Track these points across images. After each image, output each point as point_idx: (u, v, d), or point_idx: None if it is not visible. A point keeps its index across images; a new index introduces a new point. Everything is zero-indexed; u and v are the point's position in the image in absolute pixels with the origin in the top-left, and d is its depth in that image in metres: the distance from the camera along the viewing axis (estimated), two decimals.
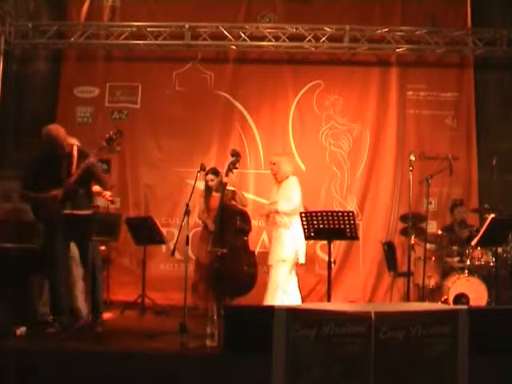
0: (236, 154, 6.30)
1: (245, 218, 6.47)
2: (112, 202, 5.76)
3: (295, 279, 6.11)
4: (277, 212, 6.00)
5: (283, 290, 5.93)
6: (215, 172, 6.43)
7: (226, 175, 6.17)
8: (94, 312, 5.17)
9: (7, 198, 6.47)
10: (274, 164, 6.24)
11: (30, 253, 5.48)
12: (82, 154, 5.21)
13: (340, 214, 5.24)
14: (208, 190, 6.42)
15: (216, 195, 6.33)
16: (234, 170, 6.29)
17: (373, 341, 2.60)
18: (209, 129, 7.72)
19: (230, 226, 6.17)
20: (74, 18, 7.80)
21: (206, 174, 6.33)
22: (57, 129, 5.34)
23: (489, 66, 7.68)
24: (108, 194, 5.47)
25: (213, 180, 6.36)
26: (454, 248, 6.58)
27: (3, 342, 4.38)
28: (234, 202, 6.40)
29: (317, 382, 2.63)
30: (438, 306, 4.66)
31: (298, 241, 5.90)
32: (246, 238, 6.53)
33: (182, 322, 5.14)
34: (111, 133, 5.35)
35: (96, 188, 5.61)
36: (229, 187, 6.28)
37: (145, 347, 4.69)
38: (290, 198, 6.01)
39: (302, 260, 6.06)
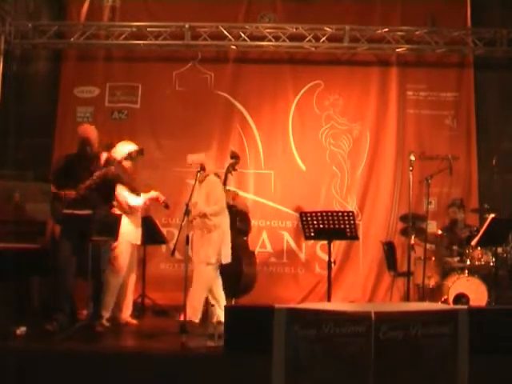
0: (235, 156, 6.31)
1: (245, 218, 6.48)
2: (166, 206, 5.84)
3: (220, 281, 5.89)
4: (205, 215, 5.65)
5: (211, 293, 5.77)
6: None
7: (225, 177, 6.16)
8: (94, 312, 5.16)
9: (7, 197, 6.46)
10: (190, 165, 6.00)
11: (30, 253, 5.48)
12: (110, 163, 5.24)
13: (340, 214, 5.25)
14: None
15: None
16: (233, 172, 6.29)
17: (373, 341, 2.61)
18: (209, 129, 7.71)
19: (230, 227, 6.17)
20: (74, 18, 7.79)
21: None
22: (89, 131, 5.41)
23: (489, 66, 7.68)
24: (162, 198, 5.73)
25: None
26: (454, 248, 6.57)
27: (3, 342, 4.38)
28: (233, 203, 6.40)
29: (317, 381, 2.63)
30: (437, 306, 4.67)
31: (222, 241, 5.69)
32: (245, 238, 6.55)
33: (182, 322, 5.14)
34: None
35: (153, 193, 5.77)
36: (229, 188, 6.28)
37: (145, 347, 4.69)
38: (215, 198, 5.67)
39: (225, 260, 5.75)
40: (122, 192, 5.60)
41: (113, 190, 5.38)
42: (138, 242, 5.81)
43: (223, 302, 5.77)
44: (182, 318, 5.28)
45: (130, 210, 5.63)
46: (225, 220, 5.74)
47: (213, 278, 5.67)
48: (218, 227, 5.60)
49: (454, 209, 6.91)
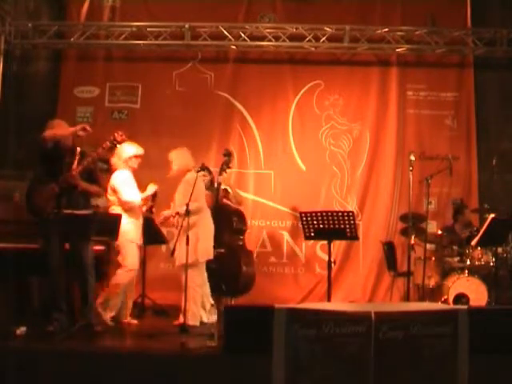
0: (228, 154, 6.29)
1: (241, 217, 6.47)
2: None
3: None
4: (178, 214, 5.52)
5: (204, 293, 5.75)
6: (207, 169, 6.41)
7: (220, 175, 6.15)
8: (88, 312, 5.13)
9: (7, 197, 6.46)
10: (171, 162, 5.88)
11: (30, 253, 5.48)
12: (85, 156, 5.20)
13: (340, 214, 5.25)
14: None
15: (207, 194, 6.26)
16: (228, 170, 6.28)
17: (373, 341, 2.60)
18: (209, 129, 7.72)
19: (226, 226, 6.16)
20: (74, 18, 7.80)
21: (198, 171, 6.30)
22: (58, 123, 5.38)
23: (489, 66, 7.68)
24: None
25: (205, 176, 6.33)
26: (454, 248, 6.57)
27: (3, 342, 4.37)
28: (227, 202, 6.39)
29: (317, 381, 2.63)
30: (437, 306, 4.67)
31: (197, 240, 5.56)
32: (242, 238, 6.53)
33: (182, 322, 5.14)
34: (117, 135, 5.36)
35: (151, 188, 5.79)
36: (224, 186, 6.27)
37: (145, 347, 4.69)
38: (195, 196, 5.41)
39: (204, 258, 5.65)
40: (120, 187, 5.58)
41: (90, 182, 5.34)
42: (139, 242, 5.80)
43: (208, 302, 5.80)
44: (180, 321, 5.28)
45: (126, 207, 5.59)
46: (204, 217, 5.65)
47: (196, 276, 5.55)
48: (192, 226, 5.37)
49: (463, 211, 6.91)
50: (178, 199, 5.67)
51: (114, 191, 5.62)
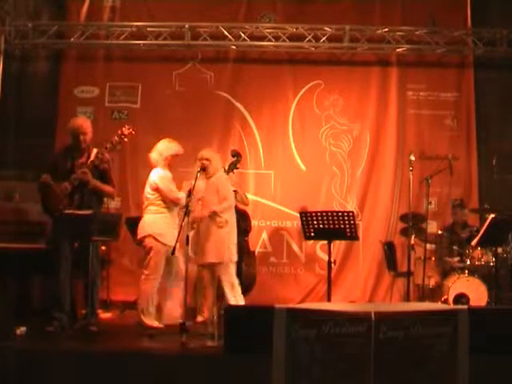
0: (237, 155, 6.30)
1: (245, 218, 6.48)
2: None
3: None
4: (215, 212, 5.45)
5: (238, 292, 5.69)
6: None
7: (227, 175, 6.15)
8: (89, 312, 5.15)
9: (7, 197, 6.47)
10: (206, 159, 5.70)
11: (31, 253, 5.48)
12: (100, 158, 5.25)
13: (340, 214, 5.25)
14: None
15: None
16: (235, 170, 6.29)
17: (373, 341, 2.60)
18: (209, 129, 7.71)
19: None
20: (74, 18, 7.79)
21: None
22: (79, 119, 5.47)
23: (489, 66, 7.67)
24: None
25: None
26: (454, 248, 6.57)
27: (3, 342, 4.37)
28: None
29: (317, 381, 2.63)
30: (438, 305, 4.67)
31: (229, 239, 5.58)
32: (246, 238, 6.54)
33: (182, 322, 5.14)
34: (124, 129, 5.39)
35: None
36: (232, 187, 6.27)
37: (145, 347, 4.69)
38: (224, 195, 5.52)
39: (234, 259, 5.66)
40: (166, 185, 5.51)
41: (107, 182, 5.35)
42: (173, 244, 5.70)
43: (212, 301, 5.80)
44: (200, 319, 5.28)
45: (172, 204, 5.53)
46: (232, 218, 5.65)
47: (234, 275, 5.57)
48: (225, 224, 5.44)
49: (456, 210, 6.90)
50: (209, 197, 5.53)
51: (157, 189, 5.52)
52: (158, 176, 5.56)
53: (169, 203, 5.54)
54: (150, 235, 5.47)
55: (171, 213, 5.60)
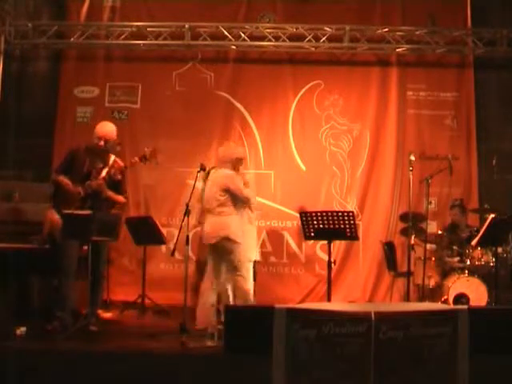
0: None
1: None
2: None
3: None
4: (249, 200, 5.59)
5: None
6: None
7: None
8: (89, 312, 5.15)
9: (7, 197, 6.47)
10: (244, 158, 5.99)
11: (30, 253, 5.48)
12: (116, 167, 5.28)
13: (340, 213, 5.24)
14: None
15: None
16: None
17: (373, 341, 2.60)
18: (209, 129, 7.71)
19: None
20: (74, 18, 7.79)
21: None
22: (103, 127, 5.46)
23: (489, 66, 7.68)
24: None
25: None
26: (454, 248, 6.57)
27: (3, 342, 4.38)
28: None
29: (317, 381, 2.63)
30: (438, 305, 4.67)
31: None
32: None
33: (181, 322, 5.14)
34: (147, 151, 5.40)
35: None
36: None
37: (145, 347, 4.69)
38: (253, 192, 5.80)
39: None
40: (240, 187, 5.51)
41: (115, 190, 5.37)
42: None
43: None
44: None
45: (243, 203, 5.54)
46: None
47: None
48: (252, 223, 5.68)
49: (456, 211, 6.90)
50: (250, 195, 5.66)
51: (227, 191, 5.47)
52: (228, 178, 5.53)
53: (240, 203, 5.54)
54: (226, 237, 5.41)
55: (241, 213, 5.61)
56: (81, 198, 5.15)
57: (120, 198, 5.40)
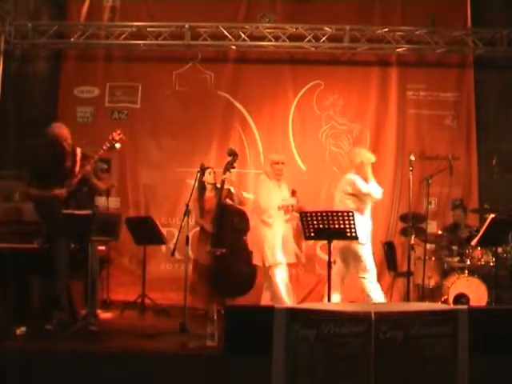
0: (233, 154, 6.30)
1: (243, 217, 6.47)
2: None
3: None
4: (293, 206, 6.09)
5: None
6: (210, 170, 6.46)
7: (224, 174, 6.16)
8: (89, 312, 5.15)
9: (7, 197, 6.47)
10: (283, 164, 6.28)
11: (30, 253, 5.48)
12: (85, 158, 5.25)
13: (340, 214, 5.24)
14: (202, 190, 6.40)
15: (210, 196, 6.34)
16: (232, 170, 6.29)
17: (373, 341, 2.60)
18: (209, 129, 7.71)
19: (228, 226, 6.16)
20: (74, 18, 7.79)
21: (203, 173, 6.32)
22: (59, 127, 5.38)
23: (489, 66, 7.68)
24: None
25: (210, 174, 6.39)
26: (454, 248, 6.58)
27: (3, 342, 4.38)
28: (230, 202, 6.40)
29: (317, 381, 2.63)
30: (438, 305, 4.66)
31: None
32: (244, 238, 6.53)
33: (181, 322, 5.14)
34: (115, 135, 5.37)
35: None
36: (228, 187, 6.28)
37: (145, 347, 4.69)
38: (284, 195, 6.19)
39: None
40: (357, 179, 5.72)
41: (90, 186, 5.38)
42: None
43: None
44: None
45: (367, 198, 5.76)
46: None
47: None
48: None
49: (459, 212, 6.90)
50: (284, 194, 6.21)
51: (353, 194, 5.73)
52: (353, 180, 5.79)
53: (365, 200, 5.77)
54: None
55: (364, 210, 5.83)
56: (64, 199, 5.14)
57: (102, 185, 5.48)
